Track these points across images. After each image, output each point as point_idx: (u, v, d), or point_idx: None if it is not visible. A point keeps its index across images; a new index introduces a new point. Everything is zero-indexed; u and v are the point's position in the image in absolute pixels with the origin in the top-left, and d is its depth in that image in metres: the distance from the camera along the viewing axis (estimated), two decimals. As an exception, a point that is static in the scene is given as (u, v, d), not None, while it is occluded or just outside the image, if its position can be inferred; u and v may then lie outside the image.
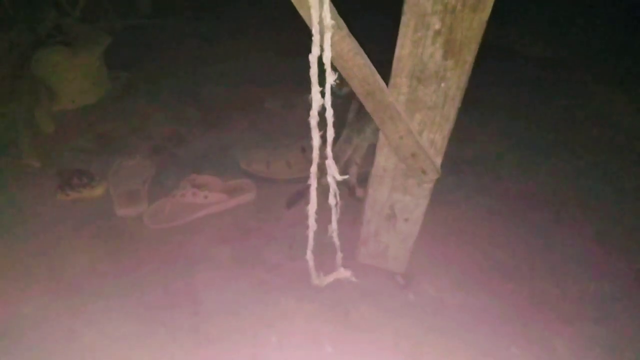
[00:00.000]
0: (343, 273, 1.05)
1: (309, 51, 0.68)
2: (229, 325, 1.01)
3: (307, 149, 1.34)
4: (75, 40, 1.64)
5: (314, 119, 0.75)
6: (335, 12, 0.67)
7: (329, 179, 0.85)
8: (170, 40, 2.18)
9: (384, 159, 0.92)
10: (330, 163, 0.82)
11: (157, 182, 1.37)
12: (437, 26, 0.70)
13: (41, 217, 1.24)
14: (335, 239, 0.98)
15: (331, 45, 0.67)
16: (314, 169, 0.83)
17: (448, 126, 0.83)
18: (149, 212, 1.25)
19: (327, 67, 0.69)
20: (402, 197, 0.97)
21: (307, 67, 0.69)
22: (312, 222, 0.92)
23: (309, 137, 0.79)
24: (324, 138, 0.78)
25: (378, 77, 0.76)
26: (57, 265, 1.12)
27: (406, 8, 0.69)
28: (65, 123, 1.58)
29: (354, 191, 1.26)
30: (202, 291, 1.08)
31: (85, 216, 1.25)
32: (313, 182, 0.85)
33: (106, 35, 1.70)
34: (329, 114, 0.75)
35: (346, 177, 0.84)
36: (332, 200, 0.89)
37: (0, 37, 1.57)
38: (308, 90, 0.72)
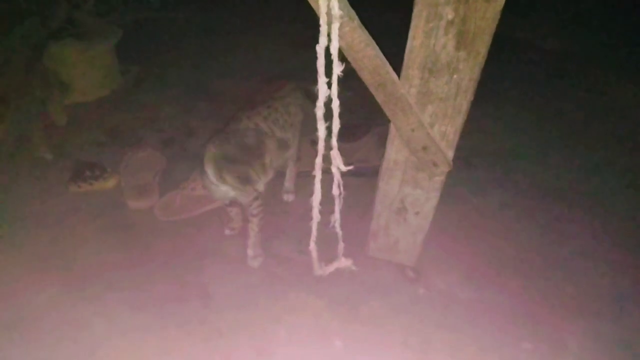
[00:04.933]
0: (344, 262, 1.04)
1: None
2: (238, 318, 1.01)
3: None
4: (87, 33, 1.65)
5: (320, 110, 0.75)
6: (346, 2, 0.66)
7: (333, 170, 0.84)
8: (180, 34, 2.18)
9: (394, 152, 0.91)
10: (335, 154, 0.81)
11: (167, 174, 1.37)
12: (450, 16, 0.69)
13: (53, 208, 1.25)
14: (338, 229, 0.97)
15: (342, 37, 0.67)
16: (319, 160, 0.83)
17: (460, 119, 0.82)
18: (160, 204, 1.26)
19: (335, 57, 0.68)
20: (412, 191, 0.96)
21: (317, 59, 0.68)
22: (315, 214, 0.91)
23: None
24: (329, 129, 0.78)
25: (389, 68, 0.75)
26: (69, 256, 1.13)
27: (418, -2, 0.68)
28: (77, 116, 1.60)
29: None
30: (211, 284, 1.08)
31: (97, 208, 1.26)
32: (318, 174, 0.85)
33: (117, 29, 1.70)
34: (335, 105, 0.74)
35: (350, 167, 0.83)
36: (335, 191, 0.88)
37: (13, 30, 1.58)
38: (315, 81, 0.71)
